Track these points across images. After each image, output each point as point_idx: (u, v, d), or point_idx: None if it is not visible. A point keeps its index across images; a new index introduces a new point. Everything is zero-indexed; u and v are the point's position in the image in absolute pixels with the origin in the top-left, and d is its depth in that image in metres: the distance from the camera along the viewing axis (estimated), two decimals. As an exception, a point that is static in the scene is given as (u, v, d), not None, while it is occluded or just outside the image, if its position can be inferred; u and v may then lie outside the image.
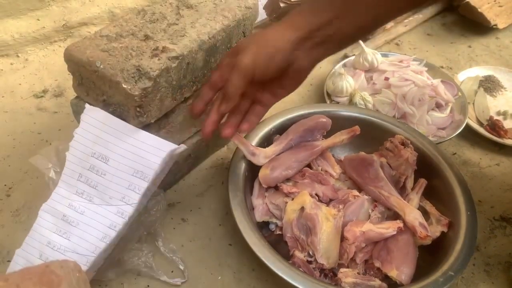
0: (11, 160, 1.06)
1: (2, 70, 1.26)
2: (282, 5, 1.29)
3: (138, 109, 0.77)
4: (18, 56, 1.29)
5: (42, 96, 1.21)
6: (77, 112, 0.89)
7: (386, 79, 1.17)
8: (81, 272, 0.52)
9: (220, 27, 0.88)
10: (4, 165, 1.05)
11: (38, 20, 1.28)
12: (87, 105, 0.81)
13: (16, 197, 0.99)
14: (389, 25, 1.48)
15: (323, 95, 1.22)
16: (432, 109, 1.15)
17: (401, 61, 1.25)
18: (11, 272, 0.49)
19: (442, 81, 1.20)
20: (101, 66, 0.76)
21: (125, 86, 0.74)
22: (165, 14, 0.90)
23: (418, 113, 1.10)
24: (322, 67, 1.35)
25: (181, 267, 0.87)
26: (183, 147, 0.81)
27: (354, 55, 1.32)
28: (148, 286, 0.86)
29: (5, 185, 1.01)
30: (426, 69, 1.23)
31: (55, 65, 1.30)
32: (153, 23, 0.87)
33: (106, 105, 0.81)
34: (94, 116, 0.81)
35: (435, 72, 1.26)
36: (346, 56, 1.35)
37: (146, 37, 0.83)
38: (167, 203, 0.98)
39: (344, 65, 1.28)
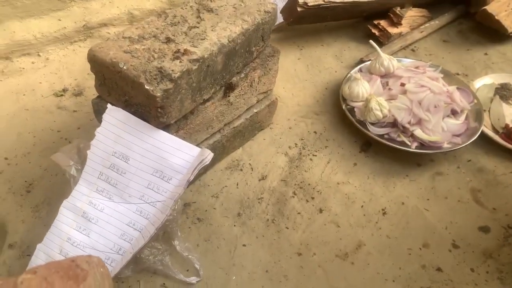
0: (31, 157, 1.08)
1: (23, 68, 1.29)
2: (299, 9, 1.30)
3: (159, 110, 0.79)
4: (39, 55, 1.32)
5: (62, 95, 1.23)
6: (98, 111, 0.91)
7: (402, 85, 1.18)
8: (105, 268, 0.53)
9: (240, 30, 0.90)
10: (24, 162, 1.07)
11: (60, 20, 1.31)
12: (109, 105, 0.83)
13: (36, 194, 1.01)
14: (405, 30, 1.49)
15: (337, 99, 1.23)
16: (448, 116, 1.15)
17: (417, 67, 1.25)
18: (38, 265, 0.50)
19: (457, 88, 1.20)
20: (125, 67, 0.78)
21: (147, 87, 0.76)
22: (186, 17, 0.92)
23: (434, 120, 1.11)
24: (337, 72, 1.36)
25: (197, 266, 0.88)
26: (210, 154, 0.82)
27: (369, 60, 1.33)
28: (164, 284, 0.87)
29: (25, 181, 1.03)
30: (442, 75, 1.24)
31: (74, 64, 1.33)
32: (174, 26, 0.89)
33: (128, 105, 0.83)
34: (115, 116, 0.83)
35: (450, 79, 1.26)
36: (362, 61, 1.36)
37: (168, 40, 0.85)
38: (183, 202, 0.99)
39: (360, 70, 1.28)
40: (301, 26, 1.48)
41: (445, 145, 1.10)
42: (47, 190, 1.01)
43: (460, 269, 0.92)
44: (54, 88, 1.25)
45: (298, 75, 1.35)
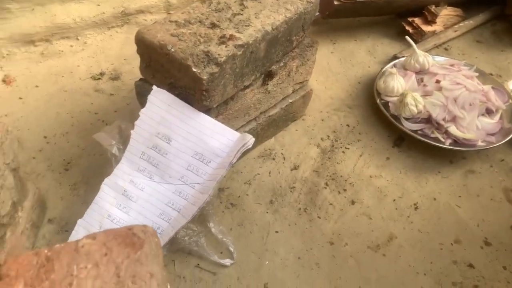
0: (70, 137, 1.11)
1: (62, 51, 1.32)
2: (336, 3, 1.30)
3: (204, 93, 0.80)
4: (77, 39, 1.35)
5: (99, 78, 1.26)
6: (140, 93, 0.93)
7: (438, 81, 1.17)
8: (158, 238, 0.55)
9: (283, 19, 0.90)
10: (63, 141, 1.09)
11: (99, 5, 1.33)
12: (154, 87, 0.84)
13: (74, 172, 1.03)
14: (439, 29, 1.48)
15: (371, 93, 1.23)
16: (482, 115, 1.15)
17: (452, 65, 1.25)
18: (96, 232, 0.52)
19: (492, 88, 1.20)
20: (172, 50, 0.79)
21: (194, 70, 0.77)
22: (229, 4, 0.93)
23: (468, 117, 1.11)
24: (370, 67, 1.37)
25: (231, 249, 0.90)
26: (252, 139, 0.83)
27: (403, 56, 1.33)
28: (198, 265, 0.89)
29: (64, 159, 1.06)
30: (477, 74, 1.23)
31: (111, 49, 1.35)
32: (218, 12, 0.90)
33: (172, 88, 0.85)
34: (160, 98, 0.84)
35: (485, 79, 1.26)
36: (395, 57, 1.35)
37: (213, 25, 0.86)
38: (217, 186, 1.01)
39: (394, 66, 1.28)
40: (334, 20, 1.48)
41: (479, 143, 1.10)
42: (85, 169, 1.04)
43: (492, 267, 0.92)
44: (92, 72, 1.28)
45: (331, 69, 1.35)
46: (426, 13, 1.47)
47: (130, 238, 0.51)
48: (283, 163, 1.09)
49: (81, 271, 0.48)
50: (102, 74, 1.27)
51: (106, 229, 0.53)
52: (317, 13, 1.38)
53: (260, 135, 1.09)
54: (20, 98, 1.19)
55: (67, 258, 0.49)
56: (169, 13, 1.42)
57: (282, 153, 1.11)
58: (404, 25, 1.47)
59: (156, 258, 0.52)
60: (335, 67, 1.36)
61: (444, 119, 1.11)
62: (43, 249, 0.50)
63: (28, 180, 0.91)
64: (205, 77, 0.78)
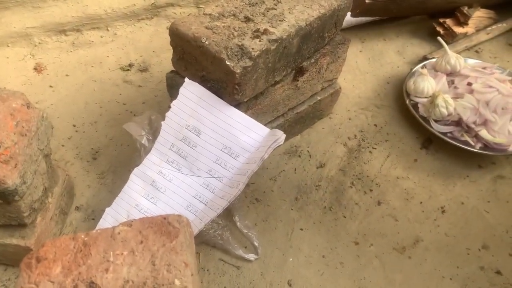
0: (98, 126, 1.12)
1: (92, 41, 1.33)
2: (367, 1, 1.29)
3: (236, 86, 0.80)
4: (108, 30, 1.36)
5: (128, 70, 1.27)
6: (171, 85, 0.93)
7: (469, 84, 1.15)
8: (191, 228, 0.55)
9: (317, 14, 0.90)
10: (91, 130, 1.11)
11: (130, -3, 1.35)
12: (186, 79, 0.85)
13: (101, 161, 1.04)
14: (470, 31, 1.45)
15: (400, 93, 1.22)
16: (514, 119, 1.12)
17: (484, 68, 1.22)
18: (132, 219, 0.53)
19: (526, 92, 1.17)
20: (206, 42, 0.79)
21: (228, 63, 0.77)
22: (263, -2, 0.92)
23: (500, 121, 1.08)
24: (399, 67, 1.35)
25: (256, 244, 0.90)
26: (283, 135, 0.83)
27: (434, 58, 1.31)
28: (222, 258, 0.89)
29: (92, 148, 1.07)
30: (510, 78, 1.20)
31: (140, 41, 1.36)
32: (252, 6, 0.90)
33: (204, 81, 0.85)
34: (192, 90, 0.84)
35: (518, 83, 1.23)
36: (425, 58, 1.33)
37: (247, 19, 0.86)
38: (243, 182, 1.01)
39: (424, 67, 1.26)
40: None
41: (510, 149, 1.07)
42: (112, 158, 1.05)
43: (521, 274, 0.90)
44: (121, 63, 1.29)
45: (359, 67, 1.34)
46: (458, 14, 1.44)
47: (165, 227, 0.52)
48: (309, 160, 1.09)
49: (117, 257, 0.48)
50: (131, 65, 1.28)
51: (141, 217, 0.53)
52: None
53: (287, 132, 1.08)
54: (51, 86, 1.20)
55: (103, 244, 0.49)
56: (198, 7, 1.42)
57: (308, 151, 1.11)
58: (435, 25, 1.45)
59: (190, 248, 0.52)
60: (364, 66, 1.34)
61: (474, 123, 1.09)
62: (79, 234, 0.51)
63: (58, 167, 0.92)
64: (238, 71, 0.78)
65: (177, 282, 0.46)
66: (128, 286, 0.46)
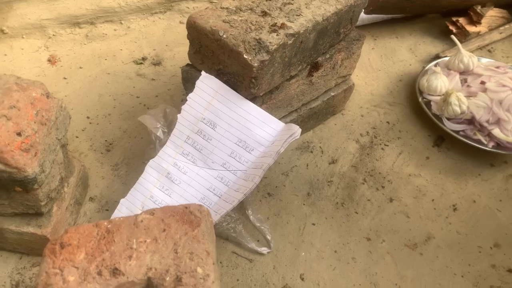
0: (112, 119, 1.12)
1: (106, 34, 1.34)
2: (381, -2, 1.29)
3: (253, 80, 0.80)
4: (121, 23, 1.36)
5: (141, 63, 1.27)
6: (187, 79, 0.94)
7: (483, 83, 1.15)
8: (211, 218, 0.55)
9: (334, 10, 0.90)
10: (105, 122, 1.11)
11: (143, -10, 1.35)
12: (203, 72, 0.85)
13: (115, 153, 1.05)
14: (483, 30, 1.45)
15: (412, 91, 1.22)
16: (527, 119, 1.12)
17: (497, 67, 1.22)
18: (154, 208, 0.53)
19: (539, 92, 1.16)
20: (224, 36, 0.80)
21: (246, 57, 0.78)
22: (279, -7, 0.93)
23: (514, 121, 1.08)
24: (412, 65, 1.35)
25: (269, 237, 0.90)
26: (299, 130, 0.83)
27: (446, 56, 1.30)
28: (234, 251, 0.89)
29: (105, 140, 1.08)
30: (523, 77, 1.20)
31: (153, 35, 1.36)
32: (269, 1, 0.90)
33: (220, 74, 0.85)
34: (208, 84, 0.85)
35: (531, 83, 1.22)
36: (438, 57, 1.33)
37: (264, 13, 0.86)
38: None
39: (437, 65, 1.26)
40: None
41: (523, 148, 1.07)
42: (126, 150, 1.05)
43: (533, 273, 0.90)
44: (134, 56, 1.29)
45: (372, 65, 1.34)
46: (471, 13, 1.44)
47: (187, 216, 0.52)
48: (321, 156, 1.09)
49: (140, 245, 0.49)
50: (144, 59, 1.29)
51: (163, 206, 0.54)
52: (361, 8, 1.37)
53: (300, 127, 1.09)
54: (65, 78, 1.21)
55: (126, 232, 0.50)
56: (212, 2, 1.42)
57: (320, 147, 1.11)
58: (448, 24, 1.45)
59: (211, 237, 0.52)
60: (376, 63, 1.34)
61: (488, 121, 1.09)
62: (102, 221, 0.51)
63: (74, 158, 0.93)
64: (255, 64, 0.78)
65: (199, 270, 0.47)
66: (151, 273, 0.47)
